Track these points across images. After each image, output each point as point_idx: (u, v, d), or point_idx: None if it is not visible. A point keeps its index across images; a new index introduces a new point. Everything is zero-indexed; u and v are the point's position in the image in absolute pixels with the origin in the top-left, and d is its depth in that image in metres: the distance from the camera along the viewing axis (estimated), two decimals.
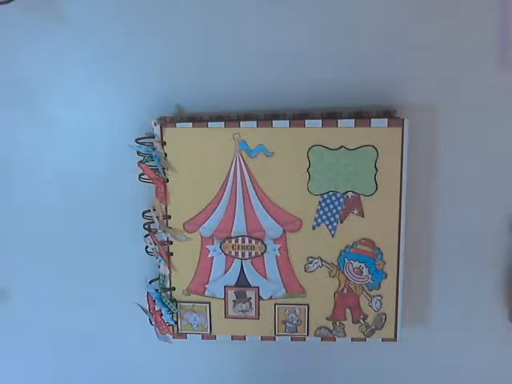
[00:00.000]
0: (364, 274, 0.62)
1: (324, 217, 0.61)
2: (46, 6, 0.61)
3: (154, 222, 0.62)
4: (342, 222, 0.61)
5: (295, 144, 0.59)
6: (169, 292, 0.64)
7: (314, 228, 0.61)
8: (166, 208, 0.62)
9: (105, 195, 0.65)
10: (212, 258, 0.62)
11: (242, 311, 0.64)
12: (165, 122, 0.60)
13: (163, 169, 0.61)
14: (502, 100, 0.60)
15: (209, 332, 0.65)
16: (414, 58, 0.60)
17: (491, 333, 0.65)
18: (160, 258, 0.63)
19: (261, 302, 0.63)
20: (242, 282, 0.63)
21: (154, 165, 0.61)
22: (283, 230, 0.61)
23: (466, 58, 0.59)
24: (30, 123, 0.64)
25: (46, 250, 0.67)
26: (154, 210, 0.62)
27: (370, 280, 0.62)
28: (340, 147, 0.59)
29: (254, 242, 0.62)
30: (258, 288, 0.63)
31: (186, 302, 0.64)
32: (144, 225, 0.63)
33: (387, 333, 0.63)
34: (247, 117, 0.61)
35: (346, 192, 0.60)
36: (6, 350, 0.70)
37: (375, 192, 0.59)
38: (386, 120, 0.58)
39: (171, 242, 0.63)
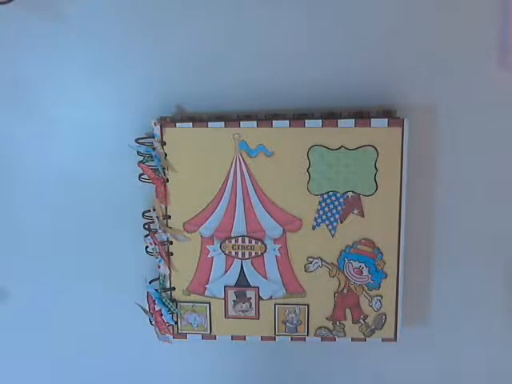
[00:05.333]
0: (364, 274, 0.62)
1: (324, 217, 0.61)
2: (46, 6, 0.61)
3: (153, 222, 0.62)
4: (342, 222, 0.61)
5: (295, 144, 0.59)
6: (169, 292, 0.64)
7: (314, 228, 0.61)
8: (165, 208, 0.62)
9: (105, 195, 0.65)
10: (212, 258, 0.62)
11: (242, 311, 0.64)
12: (165, 122, 0.60)
13: (163, 169, 0.61)
14: (502, 100, 0.60)
15: (209, 332, 0.65)
16: (414, 58, 0.60)
17: (491, 333, 0.65)
18: (160, 257, 0.63)
19: (261, 301, 0.63)
20: (241, 282, 0.63)
21: (153, 165, 0.61)
22: (283, 230, 0.61)
23: (465, 57, 0.59)
24: (30, 123, 0.64)
25: (45, 249, 0.67)
26: (154, 210, 0.62)
27: (370, 280, 0.62)
28: (340, 147, 0.59)
29: (254, 242, 0.62)
30: (258, 288, 0.63)
31: (186, 301, 0.64)
32: (144, 225, 0.63)
33: (387, 333, 0.63)
34: (247, 117, 0.61)
35: (346, 192, 0.60)
36: (6, 349, 0.70)
37: (375, 192, 0.59)
38: (386, 120, 0.58)
39: (171, 242, 0.63)
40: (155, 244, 0.62)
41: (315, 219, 0.61)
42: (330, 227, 0.61)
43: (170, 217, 0.62)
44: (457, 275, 0.64)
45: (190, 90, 0.62)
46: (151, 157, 0.60)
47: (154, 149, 0.60)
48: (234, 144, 0.59)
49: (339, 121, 0.58)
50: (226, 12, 0.60)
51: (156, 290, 0.64)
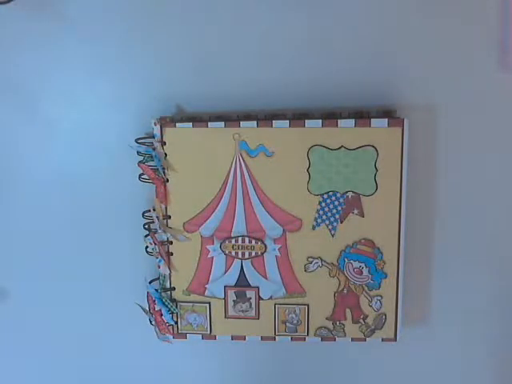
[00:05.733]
0: (364, 273, 0.62)
1: (324, 217, 0.61)
2: (46, 6, 0.61)
3: (153, 222, 0.62)
4: (342, 222, 0.61)
5: (295, 144, 0.59)
6: (169, 292, 0.64)
7: (314, 228, 0.61)
8: (165, 208, 0.62)
9: (105, 195, 0.65)
10: (212, 258, 0.62)
11: (242, 311, 0.64)
12: (165, 122, 0.60)
13: (163, 169, 0.61)
14: (502, 100, 0.60)
15: (209, 332, 0.65)
16: (414, 57, 0.60)
17: (491, 333, 0.65)
18: (160, 257, 0.63)
19: (261, 302, 0.63)
20: (241, 282, 0.63)
21: (153, 165, 0.61)
22: (283, 230, 0.61)
23: (465, 58, 0.59)
24: (30, 123, 0.64)
25: (45, 249, 0.67)
26: (154, 209, 0.62)
27: (370, 280, 0.62)
28: (340, 147, 0.59)
29: (254, 242, 0.62)
30: (258, 288, 0.63)
31: (186, 301, 0.64)
32: (144, 225, 0.63)
33: (387, 333, 0.63)
34: (247, 117, 0.61)
35: (346, 192, 0.60)
36: (6, 350, 0.70)
37: (375, 192, 0.59)
38: (386, 120, 0.58)
39: (171, 242, 0.63)
40: (155, 244, 0.62)
41: (315, 219, 0.61)
42: (330, 227, 0.61)
43: (170, 217, 0.62)
44: (457, 275, 0.64)
45: (190, 90, 0.62)
46: (151, 157, 0.60)
47: (154, 149, 0.60)
48: (234, 144, 0.59)
49: (339, 121, 0.58)
50: (226, 12, 0.60)
51: (156, 290, 0.64)
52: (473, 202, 0.62)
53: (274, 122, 0.59)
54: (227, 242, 0.62)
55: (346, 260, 0.61)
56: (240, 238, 0.62)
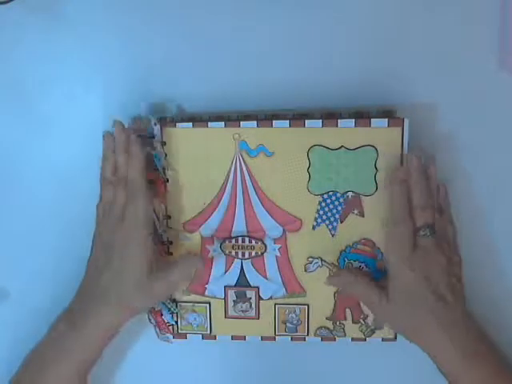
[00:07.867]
0: None
1: (324, 217, 0.61)
2: (46, 6, 0.61)
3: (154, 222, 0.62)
4: (342, 222, 0.61)
5: (295, 144, 0.59)
6: None
7: (314, 228, 0.61)
8: (165, 208, 0.62)
9: None
10: (212, 258, 0.62)
11: (242, 311, 0.64)
12: (165, 122, 0.60)
13: (163, 169, 0.60)
14: (502, 100, 0.60)
15: (209, 332, 0.65)
16: (414, 57, 0.60)
17: (490, 332, 0.65)
18: None
19: (261, 302, 0.63)
20: (242, 282, 0.63)
21: (153, 165, 0.61)
22: (283, 230, 0.61)
23: (466, 57, 0.59)
24: (29, 123, 0.64)
25: (44, 249, 0.66)
26: (154, 210, 0.62)
27: None
28: (340, 147, 0.59)
29: (254, 242, 0.62)
30: (258, 288, 0.63)
31: (186, 301, 0.64)
32: None
33: (387, 332, 0.63)
34: (247, 117, 0.61)
35: (346, 192, 0.60)
36: (7, 351, 0.70)
37: (375, 192, 0.59)
38: (386, 120, 0.58)
39: (171, 242, 0.63)
40: (155, 244, 0.62)
41: (315, 219, 0.61)
42: (330, 227, 0.61)
43: (169, 217, 0.62)
44: None
45: (190, 89, 0.62)
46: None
47: (154, 149, 0.60)
48: (234, 144, 0.59)
49: (339, 121, 0.58)
50: (226, 11, 0.60)
51: None
52: (473, 202, 0.62)
53: (274, 121, 0.59)
54: (227, 242, 0.62)
55: (346, 260, 0.61)
56: (240, 238, 0.62)
